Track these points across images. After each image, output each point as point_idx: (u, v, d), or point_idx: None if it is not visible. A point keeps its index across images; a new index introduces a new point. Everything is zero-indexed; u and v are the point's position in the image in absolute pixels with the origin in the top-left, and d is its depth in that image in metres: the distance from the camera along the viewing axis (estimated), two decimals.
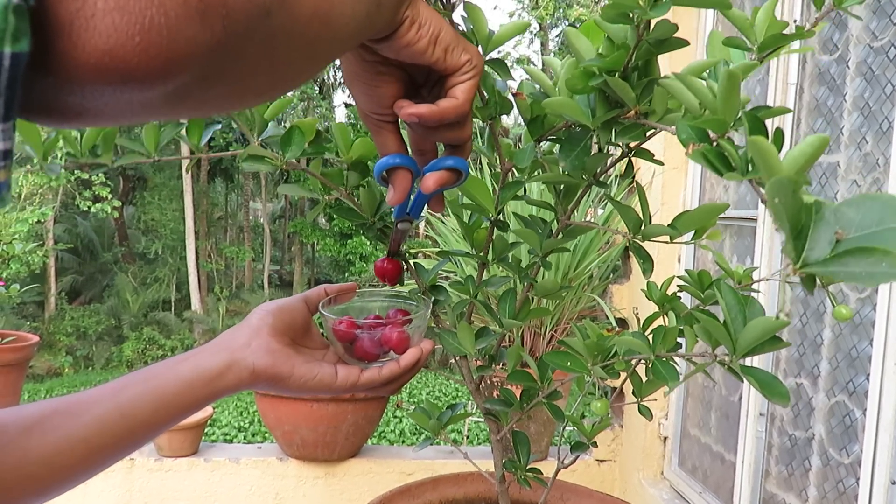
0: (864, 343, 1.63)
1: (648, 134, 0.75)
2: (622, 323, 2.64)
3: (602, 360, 0.79)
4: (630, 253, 2.71)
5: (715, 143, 0.51)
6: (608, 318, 2.50)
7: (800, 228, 0.41)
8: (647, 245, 0.82)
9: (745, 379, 0.57)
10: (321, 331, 0.75)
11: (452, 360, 1.02)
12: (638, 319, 1.00)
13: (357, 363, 0.70)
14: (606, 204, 2.55)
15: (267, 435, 7.09)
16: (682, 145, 0.54)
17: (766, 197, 0.40)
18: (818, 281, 0.49)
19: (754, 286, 0.96)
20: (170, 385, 0.64)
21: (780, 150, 0.46)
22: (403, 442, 7.13)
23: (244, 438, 7.26)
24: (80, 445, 0.61)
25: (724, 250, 2.22)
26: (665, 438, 2.58)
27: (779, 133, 0.48)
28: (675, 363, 0.73)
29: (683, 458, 2.51)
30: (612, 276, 2.72)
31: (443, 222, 2.72)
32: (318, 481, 2.60)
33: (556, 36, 18.72)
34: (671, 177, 2.43)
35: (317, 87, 18.66)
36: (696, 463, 2.42)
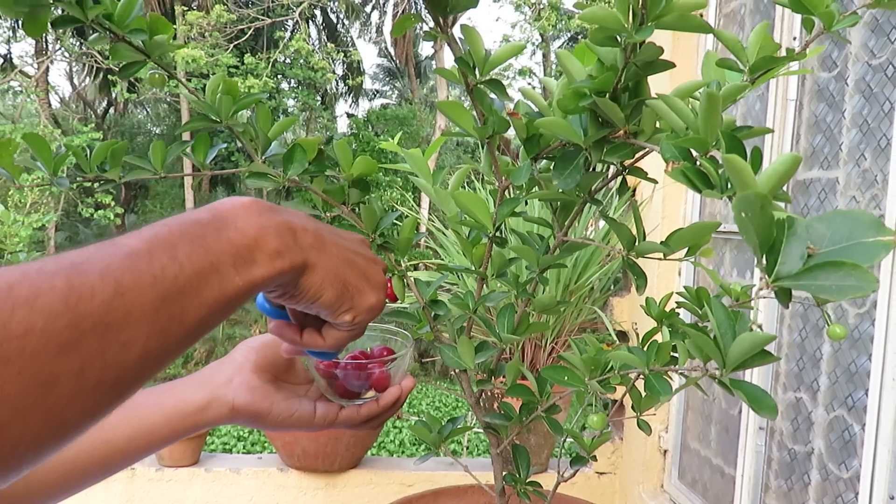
0: (863, 358, 1.64)
1: (644, 152, 0.76)
2: (622, 336, 2.65)
3: (599, 374, 0.80)
4: None
5: (698, 163, 0.52)
6: (609, 331, 2.51)
7: (772, 243, 0.42)
8: (648, 260, 0.84)
9: (734, 392, 0.58)
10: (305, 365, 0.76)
11: (452, 372, 1.03)
12: (637, 334, 1.01)
13: (338, 400, 0.71)
14: None
15: (266, 444, 7.08)
16: (665, 162, 0.55)
17: (734, 212, 0.42)
18: (816, 299, 0.50)
19: (752, 302, 0.97)
20: (151, 415, 0.65)
21: (758, 168, 0.47)
22: (403, 453, 7.11)
23: (243, 448, 7.24)
24: (57, 467, 0.62)
25: (724, 265, 2.23)
26: (665, 451, 2.58)
27: (756, 153, 0.50)
28: (670, 378, 0.74)
29: (683, 471, 2.51)
30: (612, 288, 2.73)
31: (444, 234, 2.73)
32: (319, 492, 2.60)
33: (559, 47, 18.78)
34: (672, 191, 2.44)
35: (319, 98, 18.73)
36: (695, 476, 2.43)
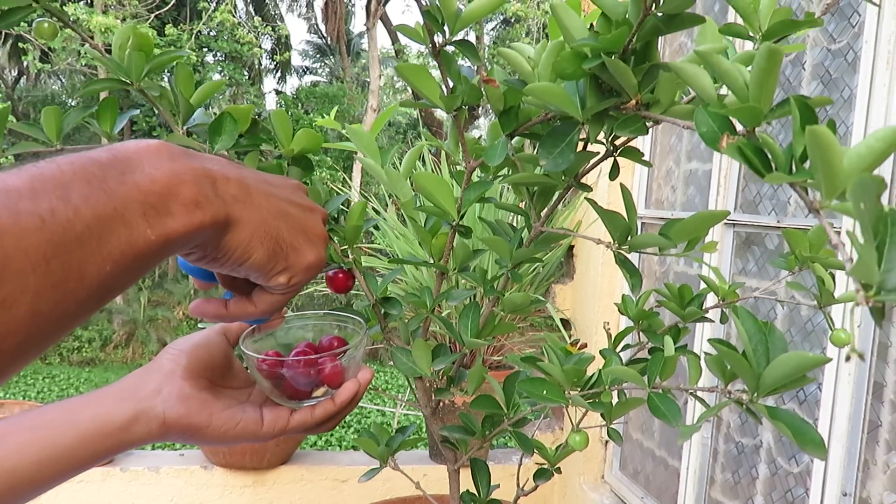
0: (817, 350, 1.60)
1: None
2: (566, 324, 2.58)
3: (582, 387, 0.70)
4: (574, 253, 2.65)
5: (744, 137, 0.42)
6: (553, 319, 2.43)
7: (877, 245, 0.32)
8: (592, 246, 0.74)
9: (770, 423, 0.48)
10: (245, 366, 0.64)
11: (383, 352, 0.91)
12: (609, 334, 0.91)
13: (288, 403, 0.60)
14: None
15: None
16: (703, 140, 0.44)
17: (850, 200, 0.32)
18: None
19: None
20: (63, 436, 0.52)
21: None
22: (342, 444, 6.90)
23: (163, 442, 6.95)
24: None
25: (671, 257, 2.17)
26: (606, 442, 2.54)
27: (832, 126, 0.40)
28: (673, 396, 0.64)
29: (625, 463, 2.47)
30: (555, 275, 2.66)
31: (380, 214, 2.60)
32: (246, 490, 2.45)
33: (491, 30, 18.66)
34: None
35: (246, 73, 18.11)
36: (637, 467, 2.39)
